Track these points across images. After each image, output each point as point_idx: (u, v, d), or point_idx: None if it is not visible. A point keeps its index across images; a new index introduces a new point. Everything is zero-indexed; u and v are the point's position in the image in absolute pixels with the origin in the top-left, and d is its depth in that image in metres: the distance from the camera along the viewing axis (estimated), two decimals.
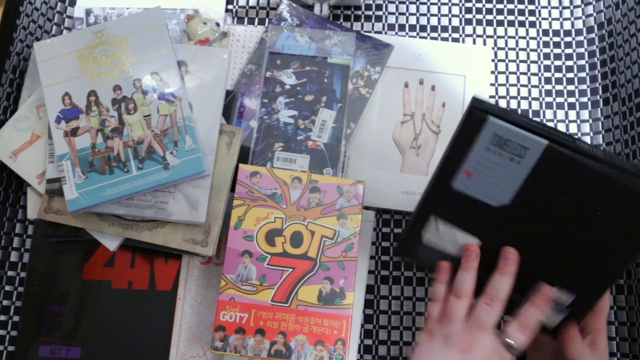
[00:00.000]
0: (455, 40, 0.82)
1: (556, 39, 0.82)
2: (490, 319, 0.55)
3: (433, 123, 0.77)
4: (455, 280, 0.59)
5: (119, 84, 0.69)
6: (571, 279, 0.57)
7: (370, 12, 0.83)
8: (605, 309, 0.61)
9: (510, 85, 0.80)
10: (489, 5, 0.83)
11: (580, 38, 0.82)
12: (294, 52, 0.78)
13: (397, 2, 0.84)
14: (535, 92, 0.80)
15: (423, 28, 0.83)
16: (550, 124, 0.78)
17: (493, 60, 0.81)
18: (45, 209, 0.68)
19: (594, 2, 0.82)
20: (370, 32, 0.82)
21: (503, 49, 0.82)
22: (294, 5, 0.81)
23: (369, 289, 0.74)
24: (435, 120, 0.78)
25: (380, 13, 0.83)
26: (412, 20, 0.83)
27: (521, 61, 0.81)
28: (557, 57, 0.81)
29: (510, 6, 0.83)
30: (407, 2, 0.84)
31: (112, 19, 0.81)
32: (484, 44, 0.82)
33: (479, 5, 0.83)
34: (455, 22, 0.83)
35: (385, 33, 0.83)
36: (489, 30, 0.83)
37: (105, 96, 0.68)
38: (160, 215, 0.67)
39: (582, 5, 0.83)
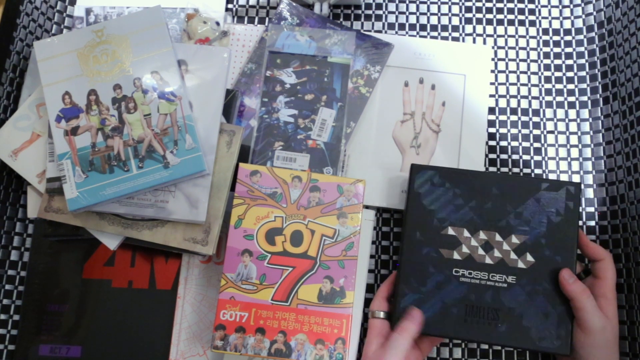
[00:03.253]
0: (455, 39, 0.82)
1: (556, 37, 0.82)
2: None
3: (433, 122, 0.77)
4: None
5: (119, 83, 0.69)
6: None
7: (370, 11, 0.83)
8: (609, 275, 0.64)
9: (510, 84, 0.80)
10: (489, 5, 0.83)
11: (580, 37, 0.82)
12: (294, 51, 0.78)
13: (397, 1, 0.84)
14: (535, 91, 0.80)
15: (423, 27, 0.83)
16: (551, 123, 0.79)
17: (493, 60, 0.81)
18: (46, 208, 0.68)
19: (593, 1, 0.82)
20: (370, 31, 0.82)
21: (503, 48, 0.82)
22: (294, 4, 0.81)
23: (369, 288, 0.74)
24: (435, 119, 0.78)
25: (380, 12, 0.83)
26: (412, 19, 0.83)
27: (521, 60, 0.81)
28: (557, 56, 0.81)
29: (510, 5, 0.83)
30: (407, 1, 0.84)
31: (112, 18, 0.81)
32: (484, 43, 0.82)
33: (479, 4, 0.83)
34: (455, 21, 0.83)
35: (385, 32, 0.83)
36: (489, 30, 0.83)
37: (106, 95, 0.68)
38: (160, 214, 0.67)
39: (582, 4, 0.83)
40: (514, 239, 0.66)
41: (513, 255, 0.66)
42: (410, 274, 0.66)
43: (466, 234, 0.67)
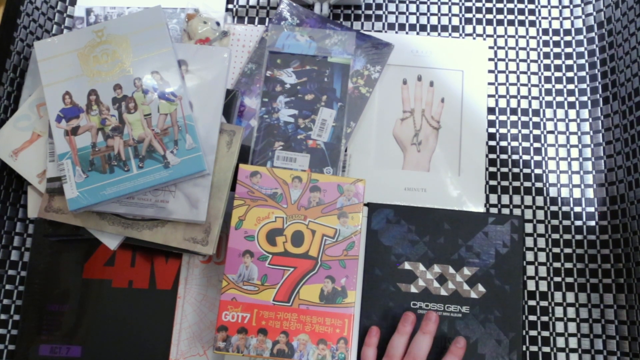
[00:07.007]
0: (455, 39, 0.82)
1: (556, 38, 0.82)
2: None
3: (433, 119, 0.78)
4: (390, 343, 0.64)
5: (120, 83, 0.69)
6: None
7: (370, 12, 0.84)
8: None
9: (510, 84, 0.80)
10: (488, 5, 0.83)
11: (580, 37, 0.82)
12: (294, 52, 0.78)
13: (397, 1, 0.84)
14: (535, 91, 0.80)
15: (423, 27, 0.83)
16: (551, 123, 0.79)
17: (493, 59, 0.81)
18: (46, 208, 0.68)
19: (593, 1, 0.82)
20: (370, 31, 0.82)
21: (503, 48, 0.82)
22: (294, 4, 0.81)
23: None
24: (435, 115, 0.78)
25: (380, 12, 0.83)
26: (412, 19, 0.83)
27: (521, 60, 0.81)
28: (557, 56, 0.81)
29: (510, 5, 0.83)
30: (407, 2, 0.84)
31: (113, 18, 0.81)
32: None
33: (478, 4, 0.83)
34: (455, 21, 0.83)
35: (385, 32, 0.83)
36: (489, 30, 0.83)
37: (106, 95, 0.68)
38: (160, 214, 0.67)
39: (582, 5, 0.83)
40: (466, 271, 0.70)
41: (466, 287, 0.69)
42: (371, 309, 0.69)
43: (421, 268, 0.70)
